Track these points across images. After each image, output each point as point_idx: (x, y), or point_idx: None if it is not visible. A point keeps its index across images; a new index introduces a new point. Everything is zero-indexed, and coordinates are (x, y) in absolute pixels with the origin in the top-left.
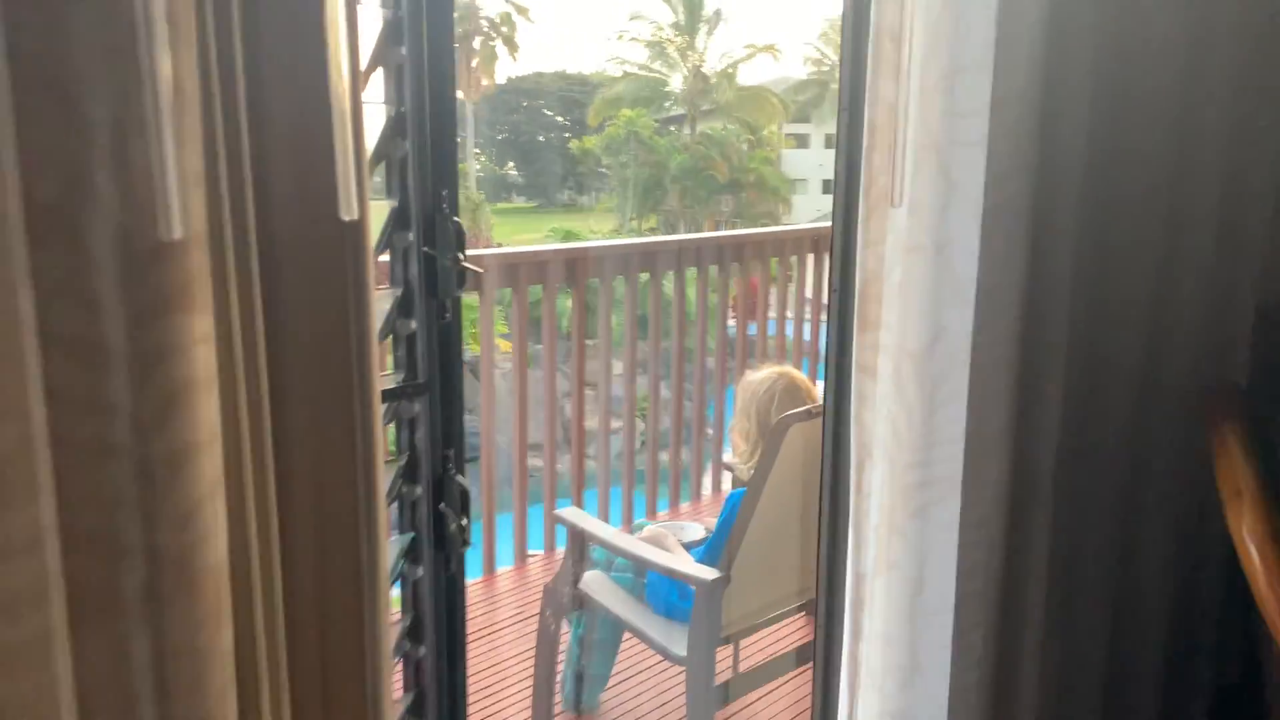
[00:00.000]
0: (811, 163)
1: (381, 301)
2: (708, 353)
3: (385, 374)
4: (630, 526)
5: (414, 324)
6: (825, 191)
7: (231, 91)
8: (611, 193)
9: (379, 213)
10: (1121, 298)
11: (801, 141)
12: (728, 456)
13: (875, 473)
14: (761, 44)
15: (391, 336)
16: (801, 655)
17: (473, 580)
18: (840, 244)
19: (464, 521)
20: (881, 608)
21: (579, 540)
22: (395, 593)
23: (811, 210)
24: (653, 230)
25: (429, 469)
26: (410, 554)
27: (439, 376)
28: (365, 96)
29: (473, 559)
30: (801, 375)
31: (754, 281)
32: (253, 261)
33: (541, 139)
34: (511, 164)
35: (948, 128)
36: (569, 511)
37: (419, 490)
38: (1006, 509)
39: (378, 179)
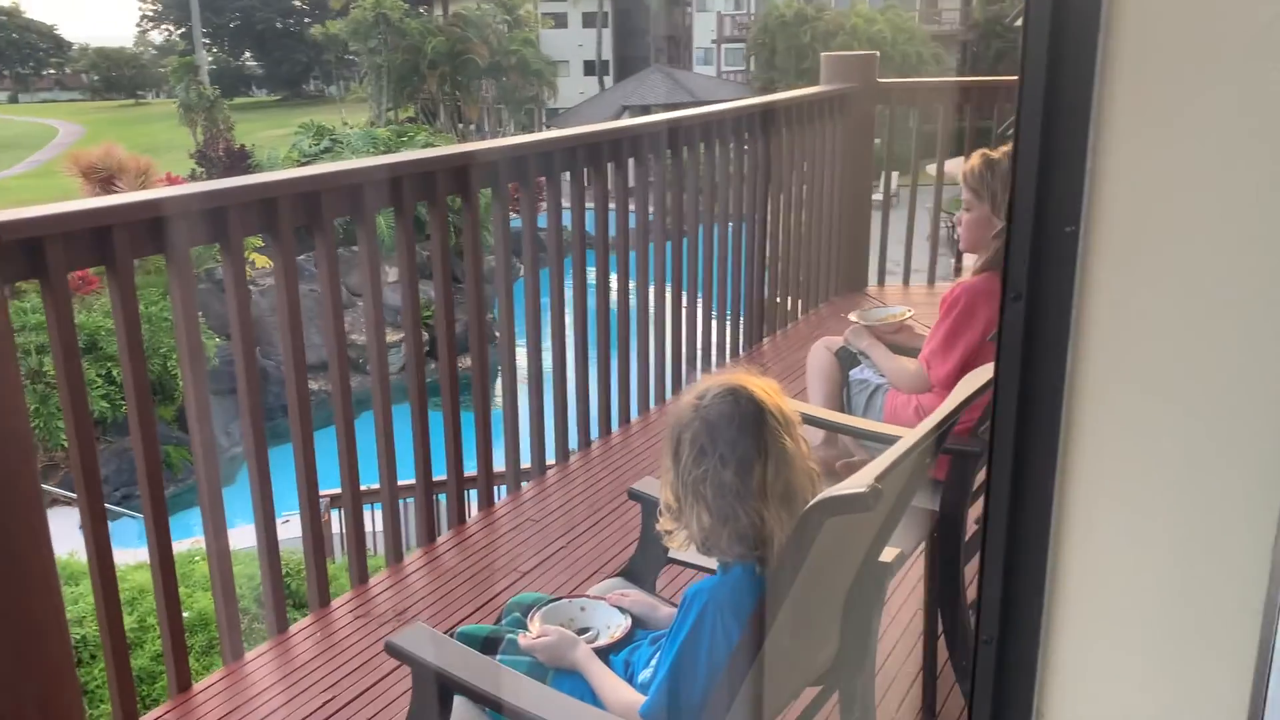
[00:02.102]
0: (571, 43)
1: None
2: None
3: None
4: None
5: None
6: (587, 73)
7: None
8: (363, 81)
9: None
10: None
11: (560, 21)
12: (663, 523)
13: None
14: None
15: None
16: None
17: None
18: (1033, 186)
19: None
20: None
21: (432, 689)
22: None
23: (574, 94)
24: (410, 120)
25: None
26: None
27: None
28: None
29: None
30: (767, 386)
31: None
32: None
33: (279, 25)
34: (249, 54)
35: None
36: (410, 636)
37: None
38: None
39: None
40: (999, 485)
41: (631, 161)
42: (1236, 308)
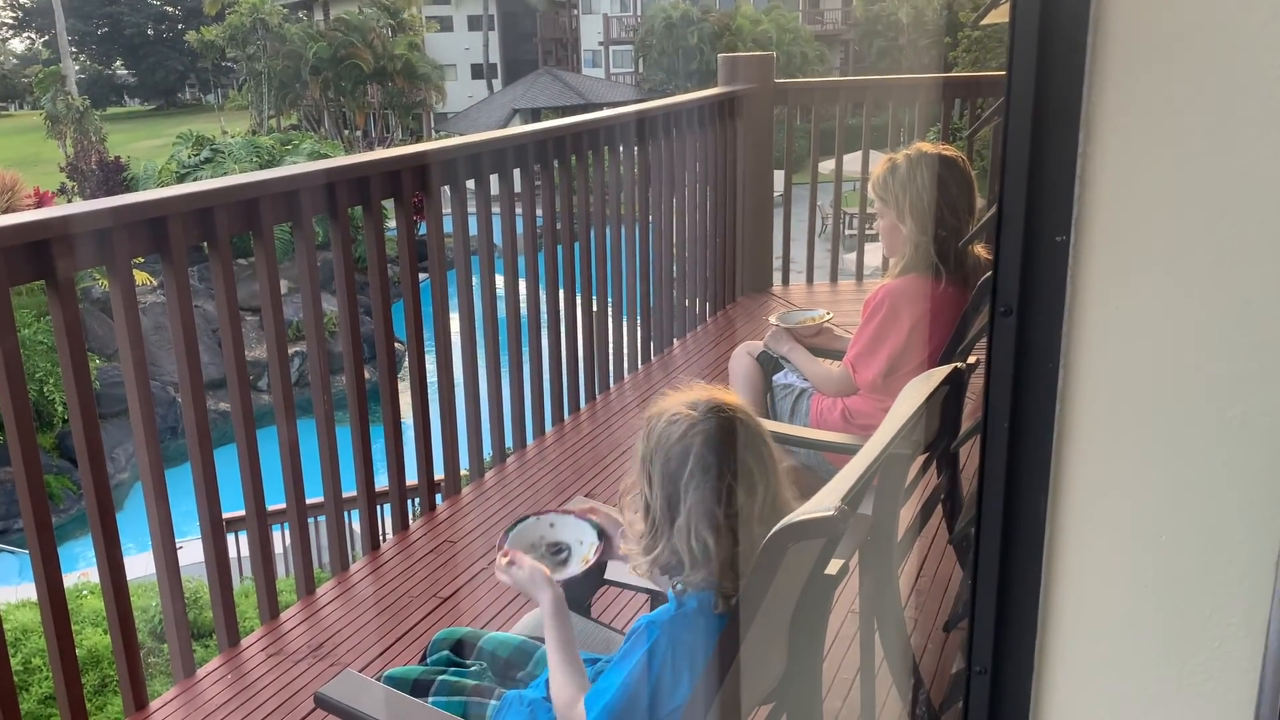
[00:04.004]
0: (457, 46)
1: None
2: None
3: None
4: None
5: None
6: (475, 77)
7: None
8: (242, 89)
9: None
10: None
11: (445, 24)
12: (623, 545)
13: None
14: None
15: None
16: None
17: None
18: (1022, 200)
19: None
20: None
21: None
22: None
23: (463, 98)
24: (293, 127)
25: None
26: None
27: None
28: None
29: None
30: (741, 401)
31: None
32: None
33: (151, 32)
34: (119, 62)
35: None
36: (341, 685)
37: None
38: None
39: None
40: (991, 509)
41: (538, 167)
42: (1233, 315)
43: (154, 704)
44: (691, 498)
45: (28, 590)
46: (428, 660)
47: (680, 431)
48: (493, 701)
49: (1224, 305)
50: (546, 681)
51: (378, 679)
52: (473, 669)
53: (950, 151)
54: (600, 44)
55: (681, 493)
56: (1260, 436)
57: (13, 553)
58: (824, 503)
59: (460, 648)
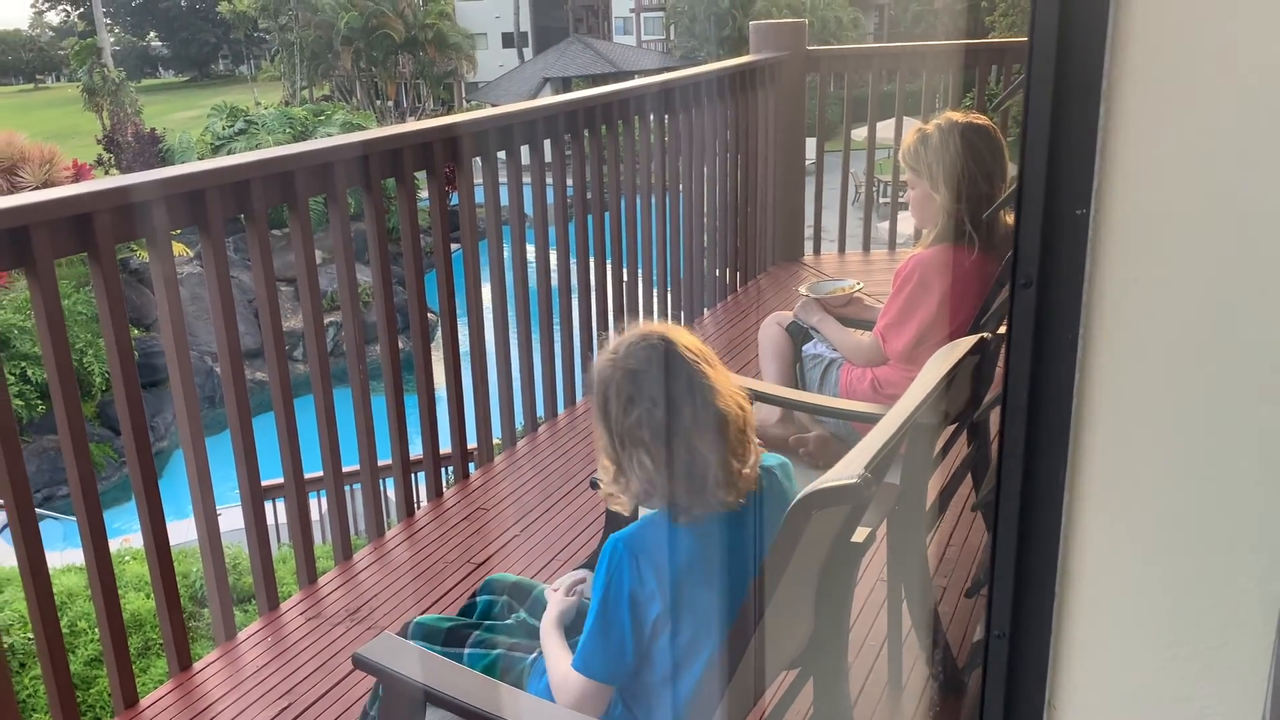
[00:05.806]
0: (488, 14)
1: None
2: None
3: None
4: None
5: None
6: (506, 45)
7: None
8: (274, 59)
9: None
10: None
11: None
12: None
13: None
14: None
15: None
16: None
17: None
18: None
19: None
20: None
21: (406, 702)
22: None
23: (494, 67)
24: (325, 98)
25: None
26: None
27: None
28: None
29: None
30: (672, 328)
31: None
32: None
33: (184, 3)
34: (153, 34)
35: None
36: (379, 647)
37: None
38: None
39: None
40: (1010, 477)
41: (569, 137)
42: (1256, 291)
43: (197, 665)
44: (626, 428)
45: (72, 556)
46: (477, 597)
47: (608, 374)
48: (531, 656)
49: (1244, 277)
50: None
51: (406, 625)
52: (508, 623)
53: (981, 120)
54: (631, 10)
55: (614, 424)
56: None
57: (56, 519)
58: (847, 470)
59: (516, 590)
